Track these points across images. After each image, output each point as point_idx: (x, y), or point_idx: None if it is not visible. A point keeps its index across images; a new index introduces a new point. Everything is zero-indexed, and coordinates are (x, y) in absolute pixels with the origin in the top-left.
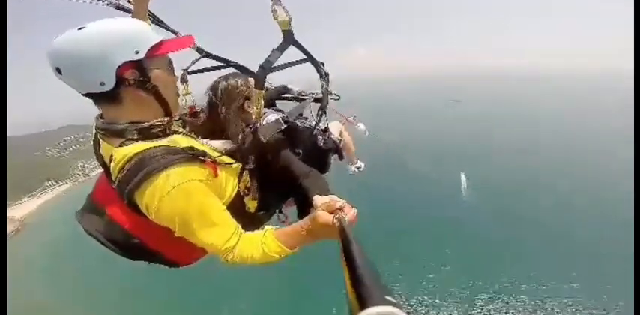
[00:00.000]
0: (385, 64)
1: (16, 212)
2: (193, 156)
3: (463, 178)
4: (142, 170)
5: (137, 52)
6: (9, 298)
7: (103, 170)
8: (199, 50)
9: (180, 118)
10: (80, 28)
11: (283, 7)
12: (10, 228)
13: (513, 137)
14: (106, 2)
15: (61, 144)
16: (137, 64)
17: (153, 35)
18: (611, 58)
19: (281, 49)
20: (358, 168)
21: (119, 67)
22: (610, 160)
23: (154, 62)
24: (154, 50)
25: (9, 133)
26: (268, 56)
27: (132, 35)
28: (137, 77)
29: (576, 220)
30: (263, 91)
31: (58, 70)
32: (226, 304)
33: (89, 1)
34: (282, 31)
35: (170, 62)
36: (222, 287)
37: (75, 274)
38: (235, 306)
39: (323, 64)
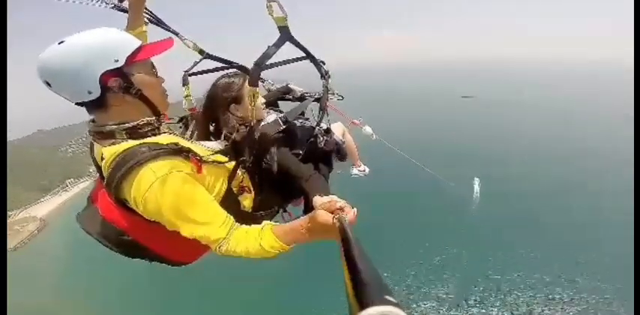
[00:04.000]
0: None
1: (37, 211)
2: (177, 150)
3: (476, 183)
4: (126, 164)
5: (117, 61)
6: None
7: (97, 172)
8: (201, 52)
9: (182, 120)
10: (60, 43)
11: (278, 4)
12: (31, 227)
13: (513, 136)
14: (111, 5)
15: (80, 140)
16: (119, 72)
17: (131, 42)
18: (612, 50)
19: (277, 45)
20: (362, 171)
21: (101, 76)
22: (610, 159)
23: (135, 67)
24: (133, 57)
25: (23, 132)
26: (263, 53)
27: (109, 45)
28: (120, 84)
29: (577, 221)
30: (257, 89)
31: (48, 84)
32: (226, 304)
33: (89, 3)
34: (278, 27)
35: (152, 65)
36: (222, 287)
37: (103, 274)
38: (235, 306)
39: (323, 63)
